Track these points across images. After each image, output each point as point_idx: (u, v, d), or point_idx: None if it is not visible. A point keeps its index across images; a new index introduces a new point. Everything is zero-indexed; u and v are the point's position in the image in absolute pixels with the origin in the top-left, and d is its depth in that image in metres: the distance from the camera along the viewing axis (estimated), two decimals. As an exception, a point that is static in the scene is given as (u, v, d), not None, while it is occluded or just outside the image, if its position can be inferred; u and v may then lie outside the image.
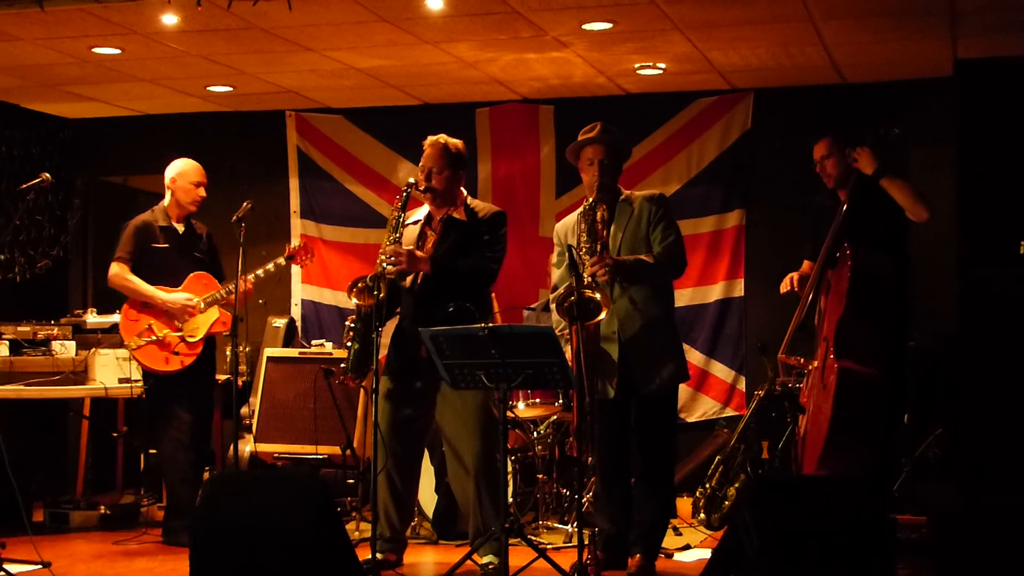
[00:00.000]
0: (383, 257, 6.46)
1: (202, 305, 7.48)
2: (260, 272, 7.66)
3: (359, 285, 6.54)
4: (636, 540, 6.42)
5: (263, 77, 8.87)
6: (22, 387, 7.94)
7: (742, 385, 9.14)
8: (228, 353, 7.44)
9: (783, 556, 4.90)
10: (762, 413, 7.47)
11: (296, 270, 9.78)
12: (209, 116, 10.09)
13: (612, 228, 6.41)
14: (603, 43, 7.89)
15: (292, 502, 5.32)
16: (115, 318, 8.75)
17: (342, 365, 6.82)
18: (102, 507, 8.18)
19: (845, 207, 6.74)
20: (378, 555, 6.38)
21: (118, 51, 8.06)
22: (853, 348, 6.56)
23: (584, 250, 6.30)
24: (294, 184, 10.09)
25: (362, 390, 7.95)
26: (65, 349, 8.31)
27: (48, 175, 7.19)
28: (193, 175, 7.61)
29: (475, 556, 6.38)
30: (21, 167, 9.55)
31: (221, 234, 7.91)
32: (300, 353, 8.69)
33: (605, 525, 6.47)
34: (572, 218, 6.56)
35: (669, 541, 7.02)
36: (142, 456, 8.86)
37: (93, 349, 8.24)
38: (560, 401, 7.67)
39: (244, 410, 8.69)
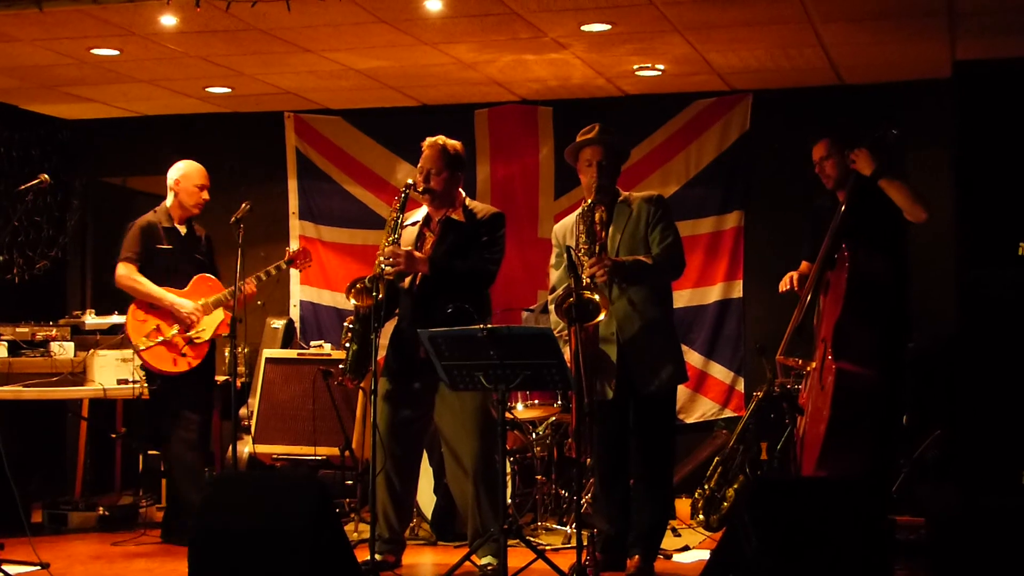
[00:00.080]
0: (381, 258, 6.46)
1: (211, 306, 7.49)
2: (262, 275, 7.68)
3: (357, 286, 6.54)
4: (635, 541, 6.43)
5: (262, 78, 8.87)
6: (21, 388, 7.94)
7: (741, 386, 9.14)
8: (227, 354, 7.45)
9: (782, 557, 4.90)
10: (761, 414, 7.48)
11: (295, 271, 9.78)
12: (208, 117, 10.09)
13: (611, 229, 6.41)
14: (602, 44, 7.89)
15: (290, 503, 5.32)
16: (114, 319, 8.78)
17: (340, 366, 6.82)
18: (101, 508, 8.18)
19: (843, 208, 6.75)
20: (377, 556, 6.38)
21: (117, 52, 8.06)
22: (851, 349, 6.57)
23: (583, 251, 6.30)
24: (293, 185, 10.09)
25: (361, 391, 7.95)
26: (64, 350, 8.32)
27: (47, 176, 7.19)
28: (197, 177, 7.61)
29: (474, 557, 6.38)
30: (20, 168, 9.55)
31: (220, 235, 7.92)
32: (299, 354, 8.69)
33: (604, 526, 6.48)
34: (571, 219, 6.56)
35: (668, 542, 7.02)
36: (140, 457, 8.86)
37: (92, 350, 8.24)
38: (559, 402, 7.67)
39: (243, 411, 8.69)
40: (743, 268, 9.19)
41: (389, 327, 6.74)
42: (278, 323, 9.54)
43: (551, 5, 7.04)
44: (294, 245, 9.91)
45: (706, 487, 7.57)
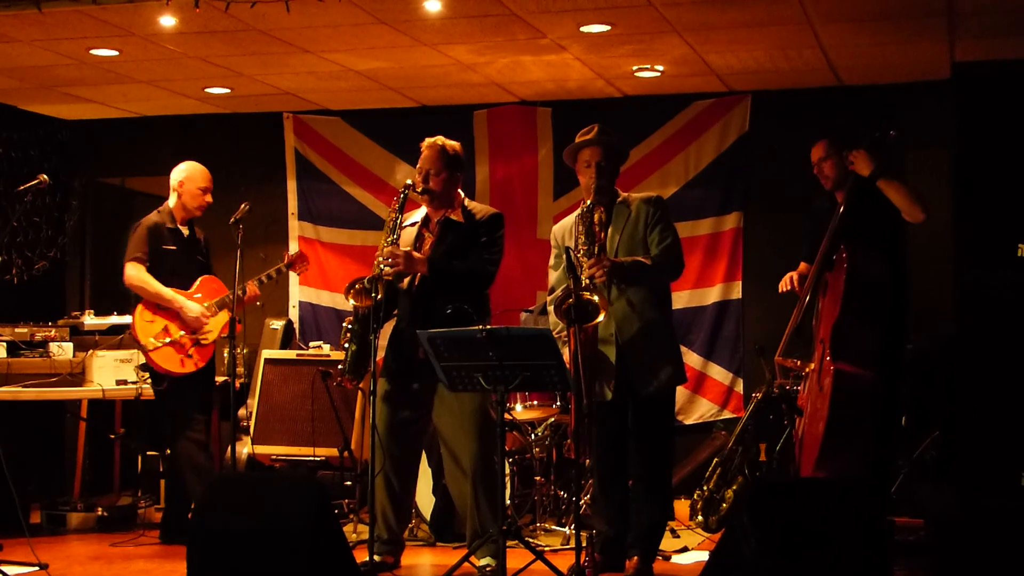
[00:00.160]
0: (380, 259, 6.46)
1: (215, 308, 7.49)
2: (263, 278, 7.68)
3: (356, 287, 6.54)
4: (634, 542, 6.42)
5: (261, 79, 8.87)
6: (19, 389, 7.94)
7: (740, 387, 9.14)
8: (226, 355, 7.44)
9: (781, 558, 4.90)
10: (760, 415, 7.47)
11: (293, 272, 9.78)
12: (207, 118, 10.09)
13: (609, 230, 6.41)
14: (601, 45, 7.89)
15: (289, 504, 5.32)
16: (113, 319, 8.77)
17: (339, 366, 6.82)
18: (99, 509, 8.19)
19: (842, 209, 6.75)
20: (375, 557, 6.38)
21: (116, 53, 8.06)
22: (850, 350, 6.57)
23: (582, 252, 6.30)
24: (292, 186, 10.09)
25: (360, 392, 7.95)
26: (62, 351, 8.32)
27: (46, 177, 7.18)
28: (200, 180, 7.60)
29: (473, 558, 6.38)
30: (19, 169, 9.54)
31: (219, 236, 7.92)
32: (298, 355, 8.69)
33: (603, 527, 6.47)
34: (569, 220, 6.56)
35: (667, 543, 7.02)
36: (139, 458, 8.85)
37: (90, 351, 8.24)
38: (558, 403, 7.67)
39: (242, 412, 8.68)
40: (742, 269, 9.19)
41: (388, 328, 6.74)
42: (277, 324, 9.54)
43: (550, 6, 7.04)
44: (293, 246, 9.91)
45: (705, 488, 7.57)
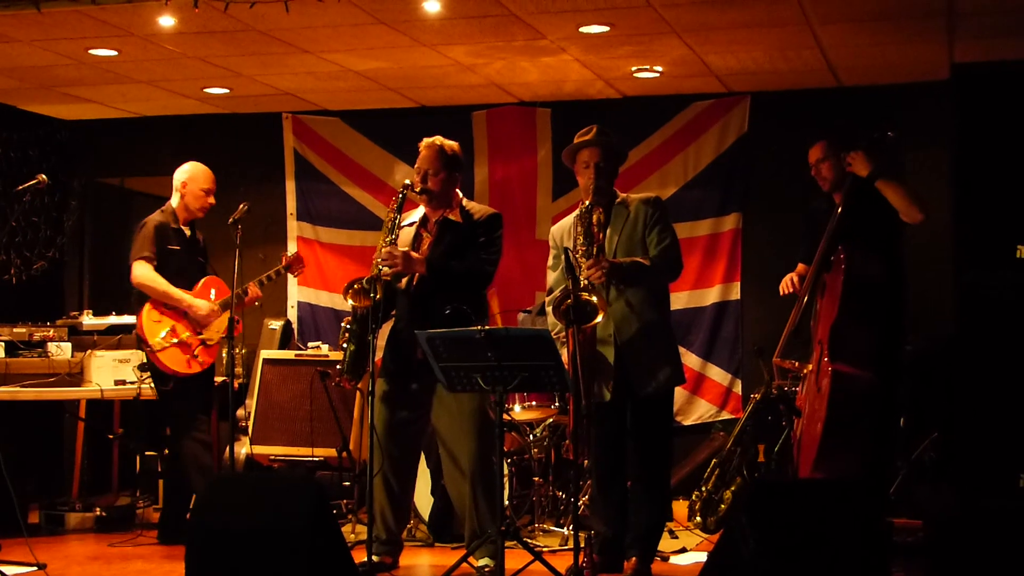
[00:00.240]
0: (379, 259, 6.46)
1: (219, 309, 7.49)
2: (264, 279, 7.69)
3: (355, 287, 6.53)
4: (632, 543, 6.42)
5: (260, 79, 8.87)
6: (18, 389, 7.94)
7: (738, 388, 9.14)
8: (224, 355, 7.44)
9: (779, 559, 4.90)
10: (758, 416, 7.47)
11: (292, 272, 9.80)
12: (206, 118, 10.09)
13: (608, 231, 6.41)
14: (600, 46, 7.89)
15: (288, 504, 5.31)
16: (111, 319, 8.77)
17: (338, 367, 6.82)
18: (98, 509, 8.19)
19: (840, 210, 6.76)
20: (374, 557, 6.38)
21: (115, 53, 8.05)
22: (848, 351, 6.57)
23: (580, 253, 6.30)
24: (290, 186, 10.08)
25: (358, 392, 7.95)
26: (61, 351, 8.31)
27: (44, 177, 7.18)
28: (203, 181, 7.59)
29: (471, 559, 6.38)
30: (18, 169, 9.54)
31: (218, 236, 7.91)
32: (296, 355, 8.68)
33: (601, 528, 6.47)
34: (568, 221, 6.56)
35: (665, 544, 7.02)
36: (138, 458, 8.85)
37: (89, 351, 8.23)
38: (556, 404, 7.67)
39: (240, 412, 8.68)
40: (741, 270, 9.19)
41: (387, 328, 6.73)
42: (276, 324, 9.54)
43: (549, 7, 7.04)
44: (292, 246, 9.91)
45: (703, 489, 7.56)
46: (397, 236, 6.57)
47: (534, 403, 7.70)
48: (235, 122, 10.11)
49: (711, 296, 9.23)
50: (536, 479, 7.82)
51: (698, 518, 7.54)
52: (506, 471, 7.45)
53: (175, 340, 7.37)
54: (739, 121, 9.18)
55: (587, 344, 6.17)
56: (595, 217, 6.41)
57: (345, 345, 6.64)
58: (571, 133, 6.61)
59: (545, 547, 7.14)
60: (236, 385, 7.30)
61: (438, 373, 6.03)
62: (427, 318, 6.34)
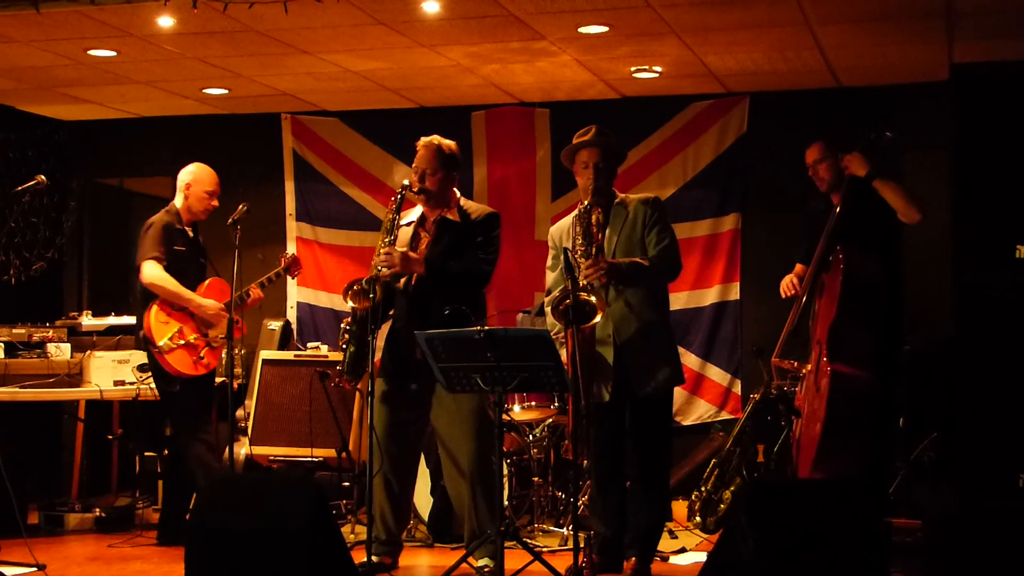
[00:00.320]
0: (378, 260, 6.46)
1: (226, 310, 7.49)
2: (264, 281, 7.69)
3: (355, 288, 6.53)
4: (631, 543, 6.42)
5: (259, 80, 8.87)
6: (17, 389, 7.94)
7: (738, 388, 9.15)
8: (223, 356, 7.44)
9: (778, 559, 4.90)
10: (758, 416, 7.47)
11: (290, 273, 9.80)
12: (205, 119, 10.09)
13: (607, 231, 6.41)
14: (599, 47, 7.89)
15: (287, 505, 5.31)
16: (110, 320, 8.78)
17: (338, 367, 6.82)
18: (97, 509, 8.19)
19: (838, 210, 6.76)
20: (373, 558, 6.38)
21: (114, 53, 8.05)
22: (846, 351, 6.58)
23: (579, 253, 6.30)
24: (289, 187, 10.09)
25: (357, 393, 7.95)
26: (60, 351, 8.32)
27: (44, 177, 7.18)
28: (207, 183, 7.57)
29: (470, 559, 6.38)
30: (17, 169, 9.53)
31: (217, 236, 7.91)
32: (295, 356, 8.68)
33: (600, 528, 6.47)
34: (567, 221, 6.57)
35: (664, 544, 7.02)
36: (137, 459, 8.85)
37: (88, 351, 8.23)
38: (556, 404, 7.67)
39: (239, 413, 8.68)
40: (740, 270, 9.19)
41: (386, 328, 6.73)
42: (275, 324, 9.53)
43: (548, 7, 7.04)
44: (291, 247, 9.91)
45: (703, 489, 7.56)
46: (396, 237, 6.57)
47: (533, 403, 7.70)
48: (234, 123, 10.11)
49: (710, 296, 9.23)
50: (535, 479, 7.82)
51: (697, 518, 7.54)
52: (505, 471, 7.45)
53: (182, 342, 7.37)
54: (738, 121, 9.18)
55: (586, 344, 6.17)
56: (594, 217, 6.41)
57: (345, 346, 6.64)
58: (570, 133, 6.61)
59: (544, 547, 7.14)
60: (235, 386, 7.30)
61: (437, 374, 6.03)
62: (426, 318, 6.34)
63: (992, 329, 6.53)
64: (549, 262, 6.66)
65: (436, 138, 6.68)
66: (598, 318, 6.07)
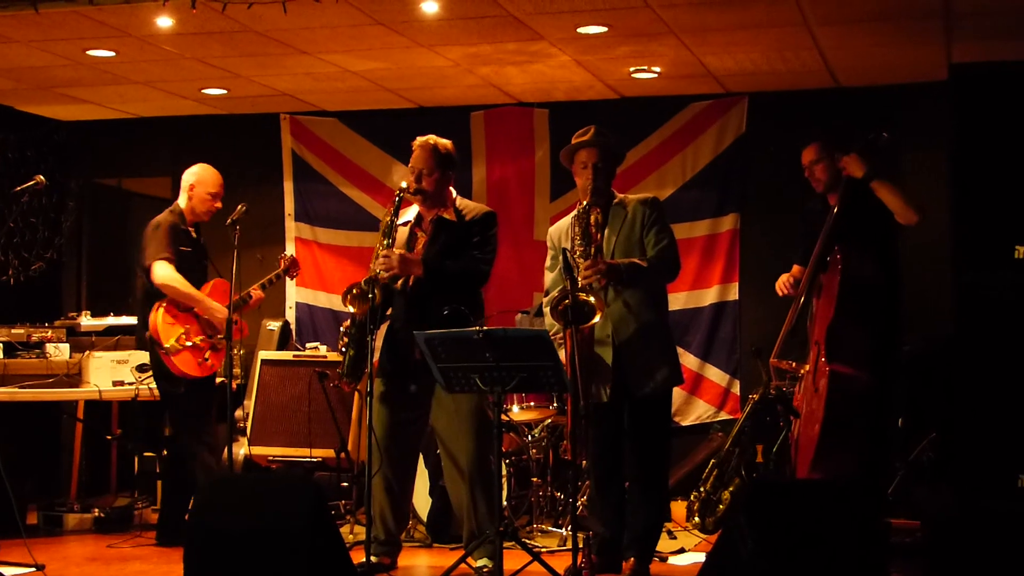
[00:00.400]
0: (376, 263, 6.45)
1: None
2: (265, 283, 7.69)
3: (353, 291, 6.52)
4: (630, 544, 6.42)
5: (258, 80, 8.87)
6: (16, 390, 7.93)
7: (736, 389, 9.15)
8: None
9: (777, 559, 4.90)
10: (757, 417, 7.47)
11: (289, 272, 9.80)
12: (203, 119, 10.09)
13: (606, 231, 6.40)
14: (598, 47, 7.89)
15: (286, 505, 5.32)
16: (109, 320, 8.77)
17: (338, 371, 6.81)
18: (96, 510, 8.18)
19: (836, 211, 6.76)
20: (372, 558, 6.38)
21: (112, 53, 8.05)
22: (844, 351, 6.58)
23: (578, 253, 6.30)
24: (288, 187, 10.09)
25: (356, 393, 7.95)
26: (59, 352, 8.31)
27: (42, 177, 7.17)
28: (211, 185, 7.56)
29: (469, 559, 6.38)
30: (15, 170, 9.53)
31: (216, 237, 7.91)
32: (294, 356, 8.69)
33: (599, 529, 6.47)
34: (566, 222, 6.57)
35: (663, 544, 7.03)
36: (136, 459, 8.84)
37: (87, 352, 8.23)
38: (555, 405, 7.67)
39: (238, 413, 8.68)
40: (739, 271, 9.19)
41: (385, 328, 6.73)
42: (274, 325, 9.53)
43: (547, 8, 7.04)
44: (290, 247, 9.91)
45: (702, 489, 7.56)
46: (394, 239, 6.57)
47: (532, 404, 7.70)
48: (233, 123, 10.11)
49: (709, 297, 9.23)
50: (534, 480, 7.82)
51: (696, 518, 7.54)
52: (504, 472, 7.45)
53: (188, 343, 7.36)
54: (737, 122, 9.18)
55: (585, 345, 6.17)
56: (593, 218, 6.41)
57: (344, 349, 6.64)
58: (569, 134, 6.61)
59: (543, 548, 7.15)
60: (234, 386, 7.30)
61: (436, 374, 6.02)
62: (424, 318, 6.34)
63: (991, 329, 6.53)
64: (547, 262, 6.66)
65: (432, 138, 6.67)
66: (597, 318, 6.07)
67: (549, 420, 7.94)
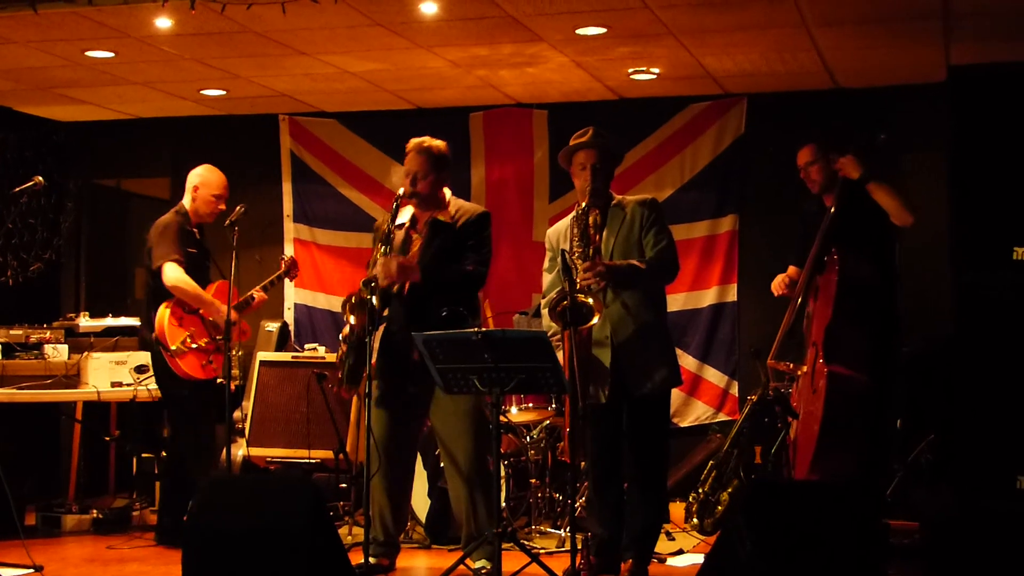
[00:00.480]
0: (374, 271, 6.44)
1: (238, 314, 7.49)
2: (268, 284, 7.70)
3: (352, 300, 6.52)
4: (629, 545, 6.42)
5: (256, 81, 8.87)
6: (14, 391, 7.93)
7: (735, 390, 9.14)
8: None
9: (776, 561, 4.90)
10: (755, 418, 7.48)
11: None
12: (202, 120, 10.08)
13: (604, 233, 6.40)
14: (597, 48, 7.89)
15: (285, 506, 5.31)
16: (108, 321, 8.76)
17: (338, 378, 6.80)
18: (94, 511, 8.18)
19: (832, 212, 6.77)
20: (371, 559, 6.38)
21: (111, 54, 8.05)
22: (842, 352, 6.58)
23: (577, 255, 6.30)
24: (287, 188, 10.08)
25: (355, 395, 7.95)
26: (58, 353, 8.30)
27: (41, 178, 7.17)
28: (215, 187, 7.55)
29: (468, 561, 6.37)
30: (14, 170, 9.53)
31: (215, 238, 7.90)
32: (293, 357, 8.68)
33: (598, 530, 6.47)
34: (564, 223, 6.56)
35: (662, 546, 7.02)
36: (134, 460, 8.84)
37: (86, 353, 8.23)
38: (553, 406, 7.67)
39: (237, 414, 8.68)
40: (738, 272, 9.19)
41: (382, 331, 6.73)
42: (272, 326, 9.52)
43: (546, 9, 7.04)
44: (289, 248, 9.90)
45: (700, 491, 7.57)
46: (392, 247, 6.56)
47: (531, 405, 7.70)
48: (232, 124, 10.11)
49: (708, 298, 9.23)
50: (533, 481, 7.82)
51: (695, 520, 7.55)
52: (503, 473, 7.45)
53: (194, 345, 7.36)
54: (736, 123, 9.18)
55: (583, 346, 6.16)
56: (591, 219, 6.40)
57: (344, 358, 6.63)
58: (568, 135, 6.61)
59: (542, 549, 7.15)
60: (233, 387, 7.30)
61: (435, 375, 6.02)
62: (421, 320, 6.33)
63: (990, 330, 6.54)
64: (546, 264, 6.65)
65: (426, 140, 6.65)
66: (595, 319, 6.06)
67: (547, 421, 7.94)
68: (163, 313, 7.32)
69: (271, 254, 9.34)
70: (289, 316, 9.97)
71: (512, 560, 6.22)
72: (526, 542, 6.98)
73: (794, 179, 7.35)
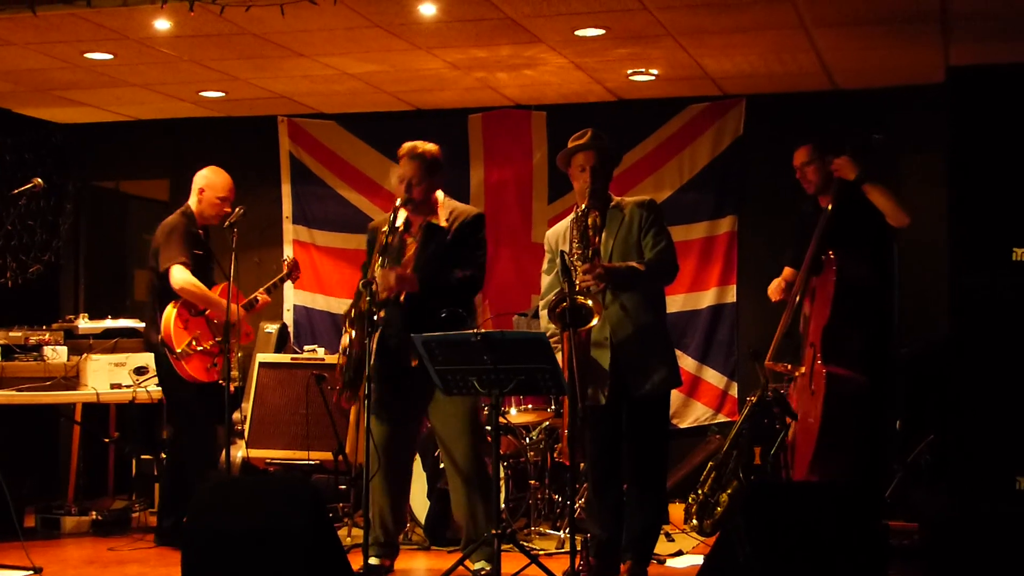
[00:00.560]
0: (374, 280, 6.43)
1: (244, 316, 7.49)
2: (271, 287, 7.71)
3: (351, 314, 6.52)
4: (628, 546, 6.41)
5: (255, 82, 8.87)
6: (14, 392, 7.93)
7: (734, 391, 9.15)
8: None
9: (775, 562, 4.91)
10: (754, 419, 7.48)
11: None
12: (201, 121, 10.09)
13: (603, 234, 6.39)
14: (595, 49, 7.89)
15: (284, 508, 5.32)
16: (107, 323, 8.76)
17: (338, 387, 6.79)
18: (94, 512, 8.18)
19: (828, 213, 6.78)
20: (370, 560, 6.38)
21: (110, 56, 8.05)
22: (839, 353, 6.59)
23: (576, 256, 6.30)
24: (286, 190, 10.09)
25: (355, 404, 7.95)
26: (57, 354, 8.30)
27: (40, 180, 7.18)
28: (220, 189, 7.55)
29: (467, 562, 6.38)
30: (13, 172, 9.52)
31: (214, 239, 7.90)
32: (292, 359, 8.68)
33: (597, 531, 6.46)
34: (563, 225, 6.56)
35: (661, 547, 7.02)
36: (134, 461, 8.84)
37: (85, 355, 8.23)
38: (552, 407, 7.67)
39: (236, 416, 8.67)
40: (736, 273, 9.20)
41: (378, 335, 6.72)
42: (272, 327, 9.51)
43: (544, 10, 7.04)
44: (288, 250, 9.90)
45: (700, 492, 7.57)
46: (391, 256, 6.55)
47: (530, 406, 7.70)
48: (231, 125, 10.11)
49: (707, 299, 9.23)
50: (532, 482, 7.82)
51: (694, 521, 7.55)
52: (502, 474, 7.45)
53: (199, 348, 7.36)
54: (735, 124, 9.19)
55: (582, 347, 6.16)
56: (590, 221, 6.39)
57: (344, 368, 6.62)
58: (567, 136, 6.60)
59: (541, 550, 7.15)
60: (232, 389, 7.30)
61: (434, 376, 6.02)
62: (418, 325, 6.31)
63: (988, 331, 6.54)
64: (545, 266, 6.64)
65: (419, 146, 6.63)
66: (595, 321, 6.06)
67: (547, 422, 7.94)
68: (169, 315, 7.32)
69: (270, 256, 9.34)
70: (288, 318, 9.97)
71: (511, 561, 6.22)
72: (525, 543, 6.98)
73: (792, 180, 7.36)
